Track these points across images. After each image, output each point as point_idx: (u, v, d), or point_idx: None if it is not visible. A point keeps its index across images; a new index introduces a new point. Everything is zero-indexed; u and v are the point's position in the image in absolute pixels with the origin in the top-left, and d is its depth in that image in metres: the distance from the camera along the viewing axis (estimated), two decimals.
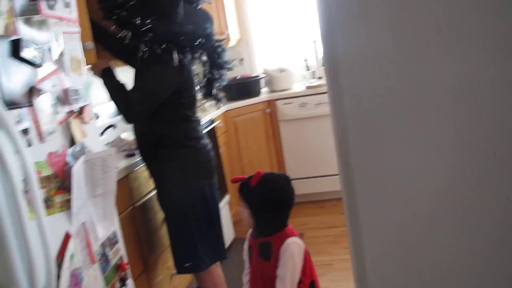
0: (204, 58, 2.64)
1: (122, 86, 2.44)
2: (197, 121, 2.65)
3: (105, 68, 2.45)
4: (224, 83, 2.79)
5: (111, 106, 3.51)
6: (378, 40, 0.78)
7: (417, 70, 0.77)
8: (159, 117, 2.51)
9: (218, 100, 2.84)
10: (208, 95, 2.81)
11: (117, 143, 3.13)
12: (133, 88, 2.43)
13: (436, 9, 0.74)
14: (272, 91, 4.58)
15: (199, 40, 2.48)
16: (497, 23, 0.73)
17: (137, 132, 2.65)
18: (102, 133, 3.18)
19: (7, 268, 1.56)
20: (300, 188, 4.50)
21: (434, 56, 0.76)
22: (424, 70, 0.77)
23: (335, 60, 0.81)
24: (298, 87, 4.59)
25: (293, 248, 2.07)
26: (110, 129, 3.29)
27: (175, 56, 2.36)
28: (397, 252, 0.83)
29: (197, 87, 2.73)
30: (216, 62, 2.70)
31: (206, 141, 2.68)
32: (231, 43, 4.59)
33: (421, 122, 0.79)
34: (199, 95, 2.77)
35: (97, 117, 3.19)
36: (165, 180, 2.61)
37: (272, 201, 2.14)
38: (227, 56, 2.76)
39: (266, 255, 2.16)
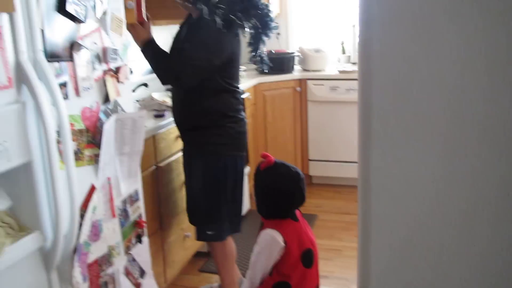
0: (256, 24, 2.63)
1: (164, 55, 2.48)
2: (240, 92, 2.67)
3: (148, 41, 2.46)
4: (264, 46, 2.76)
5: (145, 64, 3.57)
6: (410, 41, 0.81)
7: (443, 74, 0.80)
8: (204, 87, 2.50)
9: (264, 64, 2.79)
10: (255, 60, 2.77)
11: (147, 102, 3.21)
12: (184, 55, 2.43)
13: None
14: (305, 70, 4.58)
15: (254, 10, 2.49)
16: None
17: (178, 100, 2.63)
18: (133, 90, 3.25)
19: (35, 212, 1.65)
20: (319, 170, 4.56)
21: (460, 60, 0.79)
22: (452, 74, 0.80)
23: (370, 51, 0.84)
24: (331, 69, 4.58)
25: (263, 238, 2.11)
26: (142, 87, 3.36)
27: (236, 26, 2.40)
28: (404, 265, 0.86)
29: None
30: (265, 27, 2.65)
31: (244, 113, 2.72)
32: None
33: (441, 127, 0.82)
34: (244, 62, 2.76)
35: (131, 71, 3.24)
36: (203, 148, 2.61)
37: (268, 192, 2.16)
38: (273, 22, 2.71)
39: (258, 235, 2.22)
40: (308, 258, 2.15)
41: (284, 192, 2.14)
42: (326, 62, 4.59)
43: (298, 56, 4.61)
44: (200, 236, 2.73)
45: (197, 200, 2.69)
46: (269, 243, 2.09)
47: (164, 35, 3.99)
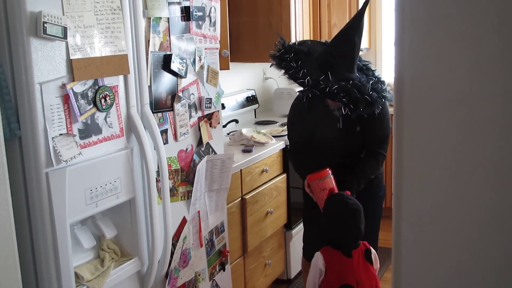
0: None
1: (369, 167, 2.57)
2: None
3: (354, 191, 2.52)
4: None
5: (236, 99, 3.85)
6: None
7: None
8: None
9: None
10: None
11: (237, 137, 3.46)
12: (379, 142, 2.58)
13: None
14: (392, 105, 4.65)
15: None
16: None
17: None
18: (225, 125, 3.52)
19: (135, 241, 1.93)
20: None
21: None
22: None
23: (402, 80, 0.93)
24: None
25: (313, 258, 2.32)
26: (232, 122, 3.63)
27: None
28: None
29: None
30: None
31: None
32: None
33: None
34: None
35: (223, 107, 3.51)
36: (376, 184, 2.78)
37: (326, 218, 2.32)
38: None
39: None
40: None
41: (331, 223, 2.27)
42: None
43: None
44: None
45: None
46: (314, 263, 2.29)
47: (256, 71, 4.28)
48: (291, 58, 2.45)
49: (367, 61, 2.73)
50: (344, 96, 2.34)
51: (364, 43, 4.79)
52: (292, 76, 2.45)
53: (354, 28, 2.47)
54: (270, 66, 2.58)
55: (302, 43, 2.65)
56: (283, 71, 2.48)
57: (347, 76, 2.42)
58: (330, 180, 2.40)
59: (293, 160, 2.80)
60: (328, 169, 2.41)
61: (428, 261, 0.95)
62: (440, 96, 0.89)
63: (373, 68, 2.69)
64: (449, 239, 0.93)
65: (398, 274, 0.97)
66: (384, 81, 2.62)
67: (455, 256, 0.93)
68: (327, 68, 2.40)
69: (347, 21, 2.71)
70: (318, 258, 2.29)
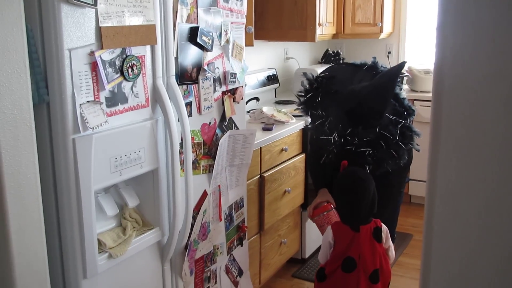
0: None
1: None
2: None
3: None
4: None
5: (256, 78, 3.83)
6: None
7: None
8: None
9: None
10: None
11: (257, 115, 3.46)
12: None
13: None
14: (413, 90, 4.61)
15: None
16: None
17: None
18: (246, 103, 3.51)
19: (157, 211, 1.95)
20: (419, 191, 4.57)
21: None
22: None
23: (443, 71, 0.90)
24: None
25: (324, 233, 2.39)
26: (253, 100, 3.62)
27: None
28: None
29: None
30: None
31: None
32: (382, 35, 4.66)
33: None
34: None
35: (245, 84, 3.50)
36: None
37: (336, 190, 2.36)
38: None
39: None
40: (347, 265, 2.27)
41: (346, 196, 2.29)
42: None
43: (407, 76, 4.64)
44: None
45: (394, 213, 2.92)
46: (325, 236, 2.35)
47: (278, 51, 4.25)
48: (317, 104, 2.39)
49: (398, 87, 2.56)
50: (370, 155, 2.30)
51: (387, 27, 4.73)
52: (318, 130, 2.39)
53: (387, 87, 2.38)
54: (295, 110, 2.54)
55: (332, 76, 2.54)
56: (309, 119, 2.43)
57: (376, 123, 2.36)
58: (328, 216, 2.44)
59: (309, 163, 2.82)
60: (327, 204, 2.47)
61: (460, 237, 0.94)
62: (488, 89, 0.85)
63: (402, 95, 2.56)
64: (484, 214, 0.91)
65: (428, 250, 0.96)
66: (414, 111, 2.50)
67: (489, 231, 0.92)
68: (355, 118, 2.34)
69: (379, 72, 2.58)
70: (328, 232, 2.34)
